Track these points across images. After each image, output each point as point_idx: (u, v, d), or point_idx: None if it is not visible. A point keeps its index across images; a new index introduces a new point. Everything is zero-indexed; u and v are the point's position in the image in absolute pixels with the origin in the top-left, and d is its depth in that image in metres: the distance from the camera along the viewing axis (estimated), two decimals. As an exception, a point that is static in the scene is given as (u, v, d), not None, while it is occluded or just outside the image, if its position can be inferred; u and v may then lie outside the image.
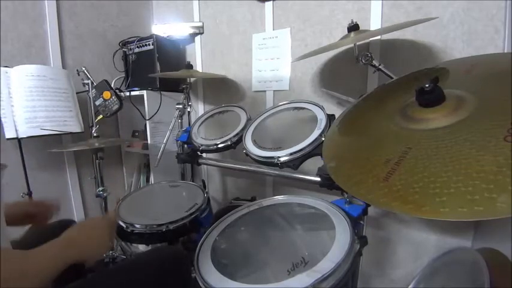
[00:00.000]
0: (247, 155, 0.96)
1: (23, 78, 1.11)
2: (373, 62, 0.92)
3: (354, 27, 0.92)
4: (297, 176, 0.95)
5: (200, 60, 1.68)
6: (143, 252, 0.79)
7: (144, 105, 1.47)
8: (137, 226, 0.87)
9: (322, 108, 0.95)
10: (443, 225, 1.07)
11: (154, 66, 1.47)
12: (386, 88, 0.78)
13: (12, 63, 1.13)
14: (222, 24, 1.56)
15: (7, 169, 0.62)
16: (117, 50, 1.60)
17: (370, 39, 1.10)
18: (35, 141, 1.20)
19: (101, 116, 1.26)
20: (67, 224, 0.89)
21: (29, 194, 1.16)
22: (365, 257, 0.66)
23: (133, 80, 1.56)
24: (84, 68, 1.25)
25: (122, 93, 1.44)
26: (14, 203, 0.69)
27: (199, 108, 1.73)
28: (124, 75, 1.61)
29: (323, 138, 0.83)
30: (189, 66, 1.37)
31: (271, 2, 1.36)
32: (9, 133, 1.08)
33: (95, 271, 0.69)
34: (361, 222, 0.70)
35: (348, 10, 1.17)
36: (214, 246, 0.65)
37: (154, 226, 0.86)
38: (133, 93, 1.51)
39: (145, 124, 1.50)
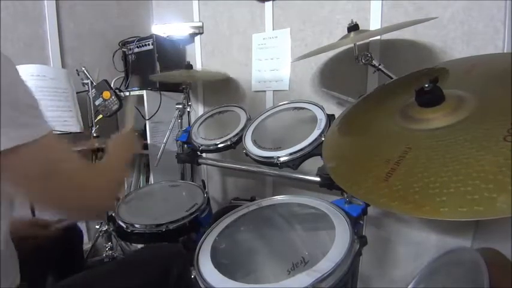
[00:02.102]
0: (247, 155, 0.96)
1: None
2: (373, 62, 0.92)
3: (353, 27, 0.92)
4: (296, 176, 0.95)
5: (200, 60, 1.68)
6: (141, 249, 0.79)
7: (144, 105, 1.47)
8: (137, 226, 0.87)
9: (322, 108, 0.95)
10: (443, 225, 1.06)
11: (154, 66, 1.47)
12: (386, 88, 0.78)
13: (12, 63, 1.13)
14: (222, 24, 1.56)
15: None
16: (116, 50, 1.60)
17: (370, 39, 1.10)
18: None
19: (100, 116, 1.26)
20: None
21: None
22: (365, 257, 0.66)
23: (133, 80, 1.56)
24: (84, 68, 1.25)
25: (121, 93, 1.44)
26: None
27: (199, 108, 1.73)
28: (124, 75, 1.61)
29: (323, 138, 0.83)
30: (189, 66, 1.37)
31: (271, 2, 1.36)
32: (9, 133, 1.08)
33: (93, 267, 0.69)
34: (361, 222, 0.70)
35: (347, 10, 1.17)
36: (214, 246, 0.65)
37: (154, 226, 0.86)
38: (133, 93, 1.51)
39: (145, 124, 1.50)
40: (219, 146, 1.09)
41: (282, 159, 0.86)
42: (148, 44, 1.49)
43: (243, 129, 1.08)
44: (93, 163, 0.50)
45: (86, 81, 1.26)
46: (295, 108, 1.05)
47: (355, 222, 0.64)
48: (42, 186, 0.39)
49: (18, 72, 0.38)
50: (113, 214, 0.95)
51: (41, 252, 0.72)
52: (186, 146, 1.28)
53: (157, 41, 1.48)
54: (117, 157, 0.62)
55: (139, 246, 1.34)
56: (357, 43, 0.96)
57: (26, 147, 0.35)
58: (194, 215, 0.92)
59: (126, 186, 1.76)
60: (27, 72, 1.12)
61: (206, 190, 1.07)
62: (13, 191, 0.40)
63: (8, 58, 0.36)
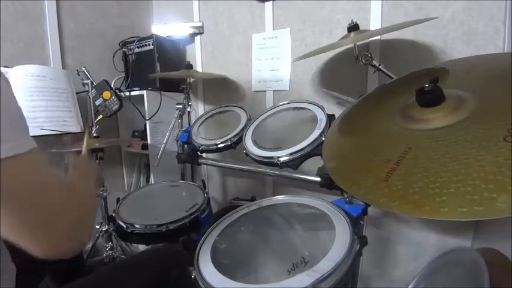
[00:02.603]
0: (247, 155, 0.96)
1: (23, 78, 1.11)
2: (373, 62, 0.92)
3: (353, 27, 0.92)
4: (297, 176, 0.95)
5: (200, 60, 1.68)
6: (142, 252, 0.79)
7: (144, 105, 1.47)
8: (137, 226, 0.87)
9: (322, 108, 0.95)
10: (443, 225, 1.06)
11: (154, 66, 1.47)
12: (386, 88, 0.78)
13: (12, 63, 1.13)
14: (222, 24, 1.56)
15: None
16: (117, 50, 1.60)
17: (370, 39, 1.10)
18: (34, 141, 1.20)
19: (101, 116, 1.26)
20: None
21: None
22: (365, 257, 0.66)
23: (133, 80, 1.56)
24: (84, 68, 1.25)
25: (121, 93, 1.44)
26: None
27: (199, 108, 1.73)
28: (124, 75, 1.61)
29: (323, 138, 0.83)
30: (189, 66, 1.38)
31: (271, 2, 1.36)
32: (9, 133, 1.08)
33: (94, 270, 0.69)
34: (361, 222, 0.70)
35: (347, 10, 1.17)
36: (214, 246, 0.65)
37: (154, 226, 0.86)
38: (133, 93, 1.51)
39: (145, 124, 1.51)
40: (219, 146, 1.09)
41: (282, 159, 0.86)
42: (149, 44, 1.49)
43: (243, 129, 1.08)
44: (70, 186, 0.44)
45: (86, 81, 1.26)
46: (295, 108, 1.05)
47: (355, 222, 0.64)
48: (19, 207, 0.34)
49: (10, 85, 0.36)
50: (113, 214, 0.95)
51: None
52: (186, 146, 1.28)
53: (158, 41, 1.48)
54: (83, 180, 0.57)
55: (140, 246, 1.35)
56: (357, 43, 0.96)
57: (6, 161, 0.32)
58: (194, 215, 0.92)
59: (126, 187, 1.76)
60: (27, 72, 1.12)
61: (206, 190, 1.07)
62: None
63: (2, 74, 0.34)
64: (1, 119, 0.32)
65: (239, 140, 1.06)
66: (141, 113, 1.50)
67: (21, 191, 0.34)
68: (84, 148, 0.78)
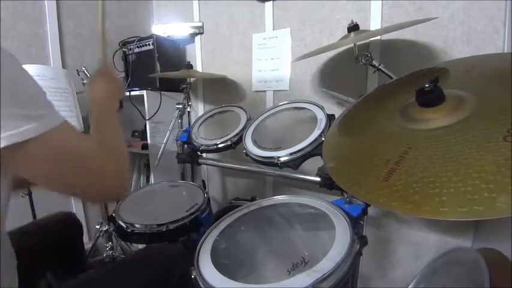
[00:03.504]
0: (247, 155, 0.96)
1: (23, 78, 1.11)
2: (373, 62, 0.92)
3: (353, 27, 0.92)
4: (297, 176, 0.95)
5: (200, 60, 1.68)
6: (142, 249, 0.79)
7: (144, 105, 1.47)
8: (137, 226, 0.87)
9: (322, 108, 0.95)
10: (443, 225, 1.07)
11: (154, 66, 1.47)
12: (386, 88, 0.78)
13: (12, 63, 1.13)
14: (222, 24, 1.56)
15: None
16: (117, 50, 1.60)
17: (370, 39, 1.10)
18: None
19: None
20: (66, 216, 0.89)
21: (29, 194, 1.16)
22: (365, 257, 0.66)
23: (133, 80, 1.56)
24: (84, 68, 1.25)
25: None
26: None
27: (199, 108, 1.73)
28: (124, 75, 1.61)
29: (323, 138, 0.83)
30: (189, 66, 1.37)
31: (271, 2, 1.36)
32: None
33: (94, 269, 0.70)
34: (361, 222, 0.70)
35: (348, 10, 1.17)
36: (214, 246, 0.65)
37: (155, 226, 0.86)
38: (133, 93, 1.51)
39: (145, 124, 1.51)
40: (219, 146, 1.09)
41: (282, 159, 0.86)
42: (149, 44, 1.49)
43: (243, 129, 1.08)
44: (100, 143, 0.48)
45: (86, 81, 1.26)
46: (296, 108, 1.05)
47: (355, 222, 0.64)
48: (59, 174, 0.40)
49: (21, 67, 0.37)
50: (113, 214, 0.95)
51: (40, 252, 0.72)
52: (186, 146, 1.28)
53: (158, 41, 1.48)
54: (106, 115, 0.60)
55: (140, 246, 1.35)
56: (357, 43, 0.96)
57: (38, 139, 0.35)
58: (194, 215, 0.92)
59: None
60: (27, 72, 1.12)
61: (206, 190, 1.07)
62: (31, 181, 0.41)
63: (8, 53, 0.35)
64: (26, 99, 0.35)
65: (239, 140, 1.06)
66: (141, 113, 1.50)
67: (56, 163, 0.39)
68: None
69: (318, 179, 0.87)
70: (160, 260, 0.69)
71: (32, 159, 0.36)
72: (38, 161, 0.37)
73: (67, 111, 1.22)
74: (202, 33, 1.64)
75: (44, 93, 0.39)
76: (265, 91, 1.45)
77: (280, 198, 0.82)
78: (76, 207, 1.47)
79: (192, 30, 1.62)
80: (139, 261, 0.70)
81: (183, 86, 1.39)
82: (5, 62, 0.34)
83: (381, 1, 1.08)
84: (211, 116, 1.33)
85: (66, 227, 0.86)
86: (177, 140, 1.30)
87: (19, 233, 0.72)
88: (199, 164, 1.28)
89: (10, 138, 0.32)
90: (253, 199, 1.27)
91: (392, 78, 0.86)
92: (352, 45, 0.97)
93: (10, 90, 0.33)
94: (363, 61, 0.93)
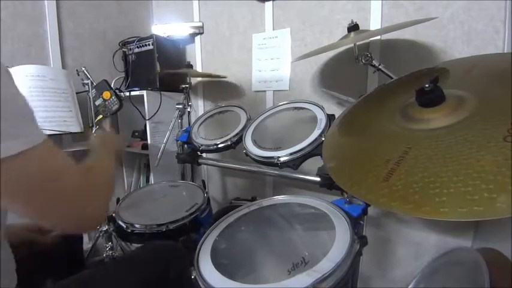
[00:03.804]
0: (247, 155, 0.96)
1: (22, 79, 1.11)
2: (373, 62, 0.92)
3: (353, 27, 0.92)
4: (297, 176, 0.95)
5: (200, 60, 1.68)
6: (140, 247, 0.79)
7: (144, 105, 1.47)
8: (137, 226, 0.87)
9: (322, 108, 0.95)
10: (443, 225, 1.07)
11: (154, 66, 1.47)
12: (386, 88, 0.78)
13: (12, 63, 1.13)
14: (222, 24, 1.56)
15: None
16: (117, 50, 1.60)
17: (370, 39, 1.10)
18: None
19: (101, 116, 1.26)
20: None
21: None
22: (365, 257, 0.66)
23: (133, 80, 1.56)
24: (84, 68, 1.25)
25: (121, 93, 1.44)
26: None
27: (199, 108, 1.73)
28: (124, 75, 1.61)
29: (323, 138, 0.83)
30: (189, 66, 1.38)
31: (271, 2, 1.36)
32: (9, 133, 1.07)
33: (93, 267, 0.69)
34: (361, 222, 0.70)
35: (347, 10, 1.17)
36: (214, 246, 0.65)
37: (154, 226, 0.86)
38: (133, 93, 1.51)
39: (145, 124, 1.50)
40: (219, 146, 1.09)
41: (282, 159, 0.86)
42: (149, 44, 1.49)
43: (243, 129, 1.08)
44: (85, 168, 0.48)
45: (86, 81, 1.26)
46: (295, 108, 1.05)
47: (356, 222, 0.64)
48: (36, 195, 0.38)
49: (14, 82, 0.37)
50: (113, 214, 0.95)
51: (39, 253, 0.72)
52: (186, 146, 1.27)
53: (158, 41, 1.48)
54: (103, 157, 0.62)
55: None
56: (357, 43, 0.96)
57: (18, 157, 0.34)
58: (194, 215, 0.92)
59: (126, 187, 1.76)
60: (27, 72, 1.12)
61: (206, 190, 1.07)
62: (6, 201, 0.37)
63: (5, 69, 0.35)
64: (10, 115, 0.34)
65: (239, 140, 1.06)
66: (141, 113, 1.50)
67: (35, 179, 0.37)
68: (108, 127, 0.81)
69: (318, 179, 0.87)
70: (158, 257, 0.69)
71: (10, 176, 0.35)
72: (16, 178, 0.36)
73: (67, 111, 1.22)
74: (202, 33, 1.64)
75: (32, 112, 0.39)
76: (265, 91, 1.45)
77: (280, 198, 0.82)
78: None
79: (192, 30, 1.62)
80: (137, 260, 0.69)
81: (183, 86, 1.39)
82: (4, 79, 0.34)
83: (380, 1, 1.08)
84: (211, 116, 1.33)
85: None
86: (177, 140, 1.30)
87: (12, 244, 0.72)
88: (199, 164, 1.28)
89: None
90: (253, 199, 1.27)
91: (392, 78, 0.86)
92: (352, 45, 0.97)
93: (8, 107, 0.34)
94: (363, 61, 0.93)
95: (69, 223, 0.44)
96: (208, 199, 1.02)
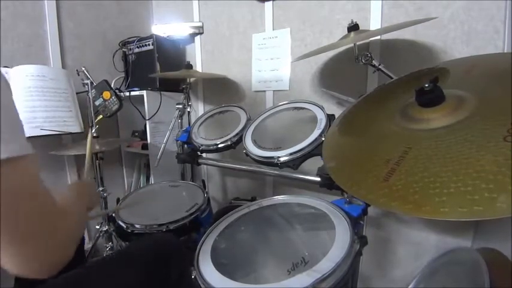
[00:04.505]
0: (247, 155, 0.96)
1: (22, 78, 1.11)
2: (373, 62, 0.92)
3: (353, 27, 0.92)
4: (297, 176, 0.95)
5: (200, 60, 1.68)
6: (137, 242, 0.78)
7: (144, 105, 1.47)
8: (137, 226, 0.87)
9: (322, 108, 0.95)
10: (443, 225, 1.07)
11: (154, 66, 1.47)
12: (386, 88, 0.78)
13: (12, 63, 1.12)
14: (222, 24, 1.56)
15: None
16: (117, 50, 1.60)
17: (370, 39, 1.10)
18: (34, 141, 1.19)
19: (101, 116, 1.26)
20: None
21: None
22: (365, 257, 0.66)
23: (133, 80, 1.56)
24: (84, 68, 1.25)
25: (121, 93, 1.44)
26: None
27: (199, 108, 1.73)
28: (124, 75, 1.61)
29: (323, 138, 0.83)
30: (189, 66, 1.38)
31: (271, 2, 1.36)
32: (9, 133, 1.07)
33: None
34: (361, 222, 0.70)
35: (347, 10, 1.17)
36: (214, 246, 0.65)
37: (155, 226, 0.86)
38: (133, 93, 1.51)
39: (145, 124, 1.50)
40: (219, 146, 1.09)
41: (282, 159, 0.86)
42: (149, 44, 1.49)
43: (243, 129, 1.08)
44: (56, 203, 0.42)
45: (86, 81, 1.26)
46: (295, 108, 1.05)
47: (356, 222, 0.64)
48: (10, 209, 0.34)
49: (12, 93, 0.37)
50: (113, 214, 0.95)
51: None
52: (186, 146, 1.28)
53: (157, 41, 1.48)
54: (76, 203, 0.58)
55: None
56: (357, 43, 0.96)
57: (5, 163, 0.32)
58: (194, 215, 0.92)
59: (126, 187, 1.76)
60: (27, 72, 1.12)
61: (206, 190, 1.07)
62: None
63: (4, 78, 0.35)
64: (2, 121, 0.33)
65: (239, 140, 1.06)
66: (141, 113, 1.50)
67: (13, 191, 0.34)
68: (88, 152, 0.79)
69: (318, 179, 0.87)
70: (156, 250, 0.68)
71: None
72: None
73: (67, 111, 1.21)
74: (202, 33, 1.64)
75: (22, 125, 0.38)
76: (265, 91, 1.45)
77: (280, 198, 0.82)
78: (76, 207, 1.47)
79: (192, 30, 1.62)
80: (135, 253, 0.68)
81: (183, 86, 1.39)
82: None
83: (380, 1, 1.08)
84: (211, 116, 1.33)
85: None
86: (177, 140, 1.30)
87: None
88: (199, 164, 1.28)
89: None
90: (253, 199, 1.27)
91: (392, 78, 0.86)
92: (352, 45, 0.97)
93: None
94: (363, 61, 0.93)
95: (34, 253, 0.37)
96: (208, 199, 1.02)
